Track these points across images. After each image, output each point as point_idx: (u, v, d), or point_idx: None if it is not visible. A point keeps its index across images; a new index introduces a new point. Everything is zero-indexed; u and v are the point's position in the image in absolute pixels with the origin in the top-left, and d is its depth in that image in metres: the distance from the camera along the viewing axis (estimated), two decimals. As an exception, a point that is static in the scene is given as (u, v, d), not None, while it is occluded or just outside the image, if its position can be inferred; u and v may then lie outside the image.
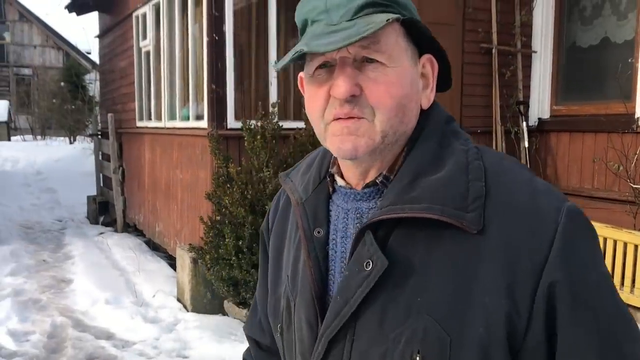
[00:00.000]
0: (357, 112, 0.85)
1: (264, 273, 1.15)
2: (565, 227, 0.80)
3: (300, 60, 0.91)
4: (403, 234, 0.85)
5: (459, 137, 0.91)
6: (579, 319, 0.78)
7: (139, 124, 7.29)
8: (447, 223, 0.81)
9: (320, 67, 0.87)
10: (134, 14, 7.12)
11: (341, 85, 0.83)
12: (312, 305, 0.93)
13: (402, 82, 0.86)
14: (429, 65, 0.93)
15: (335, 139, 0.87)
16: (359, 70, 0.85)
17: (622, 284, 4.21)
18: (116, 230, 8.12)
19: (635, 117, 5.22)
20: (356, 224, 0.92)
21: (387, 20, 0.80)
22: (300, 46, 0.84)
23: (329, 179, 0.99)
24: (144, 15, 6.79)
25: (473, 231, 0.80)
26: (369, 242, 0.85)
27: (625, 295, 4.18)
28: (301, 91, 0.97)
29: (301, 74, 0.96)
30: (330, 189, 0.98)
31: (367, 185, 0.92)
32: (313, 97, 0.89)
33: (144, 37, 6.86)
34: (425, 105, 0.92)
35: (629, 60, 5.34)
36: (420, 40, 0.91)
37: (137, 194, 7.61)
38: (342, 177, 0.97)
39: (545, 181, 0.88)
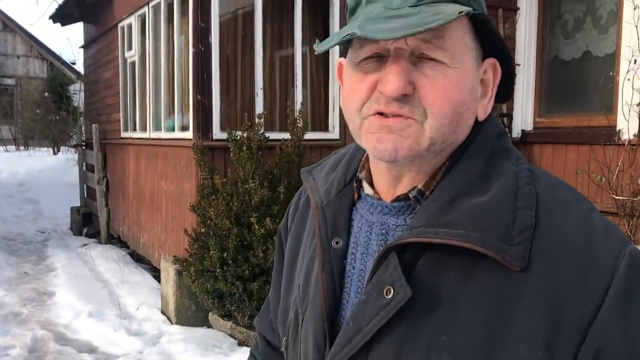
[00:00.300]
0: (407, 112, 0.74)
1: (279, 273, 1.05)
2: (625, 275, 0.68)
3: (346, 45, 0.80)
4: (433, 260, 0.74)
5: (510, 156, 0.79)
6: None
7: (123, 134, 7.25)
8: (486, 255, 0.70)
9: (369, 57, 0.76)
10: (120, 25, 7.11)
11: (393, 82, 0.72)
12: (321, 324, 0.83)
13: (462, 87, 0.74)
14: (491, 71, 0.80)
15: (371, 136, 0.76)
16: (414, 66, 0.73)
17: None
18: (100, 242, 8.04)
19: (617, 129, 5.29)
20: (380, 240, 0.82)
21: (459, 13, 0.68)
22: (352, 29, 0.71)
23: (355, 184, 0.88)
24: (130, 26, 6.77)
25: (516, 268, 0.69)
26: (392, 266, 0.74)
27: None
28: (339, 80, 0.86)
29: (341, 60, 0.85)
30: (356, 196, 0.88)
31: (397, 199, 0.81)
32: (354, 89, 0.77)
33: (130, 48, 6.84)
34: (482, 117, 0.80)
35: (610, 74, 5.43)
36: (487, 41, 0.78)
37: (121, 205, 7.54)
38: (370, 184, 0.86)
39: (606, 218, 0.75)
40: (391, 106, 0.74)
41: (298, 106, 5.12)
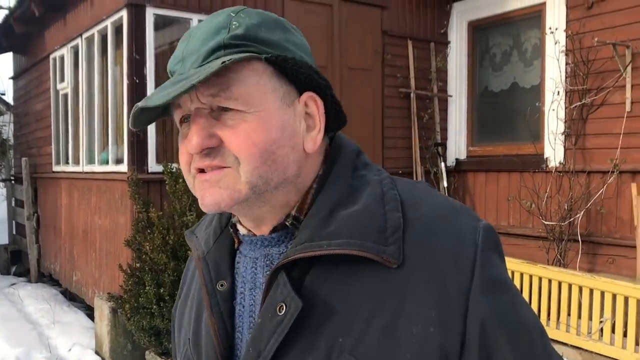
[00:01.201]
0: (219, 163, 0.78)
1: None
2: (483, 247, 0.78)
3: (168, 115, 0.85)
4: (319, 272, 0.78)
5: (372, 168, 0.86)
6: (514, 346, 0.76)
7: (55, 168, 7.00)
8: (366, 258, 0.75)
9: (183, 120, 0.81)
10: (51, 56, 6.93)
11: (192, 139, 0.76)
12: None
13: (266, 127, 0.77)
14: (312, 103, 0.83)
15: (198, 193, 0.80)
16: (216, 120, 0.78)
17: (539, 317, 4.36)
18: (30, 281, 7.67)
19: (545, 157, 5.54)
20: (266, 271, 0.84)
21: (222, 63, 0.72)
22: (140, 102, 0.78)
23: (231, 229, 0.91)
24: (62, 57, 6.61)
25: (393, 265, 0.75)
26: (282, 283, 0.77)
27: (542, 328, 4.33)
28: None
29: None
30: (236, 240, 0.91)
31: (275, 229, 0.84)
32: (180, 151, 0.82)
33: (62, 80, 6.66)
34: (311, 149, 0.83)
35: (537, 104, 5.70)
36: (297, 78, 0.82)
37: (52, 242, 7.25)
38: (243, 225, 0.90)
39: (457, 201, 0.86)
40: (203, 161, 0.78)
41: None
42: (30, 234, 7.67)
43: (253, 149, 0.77)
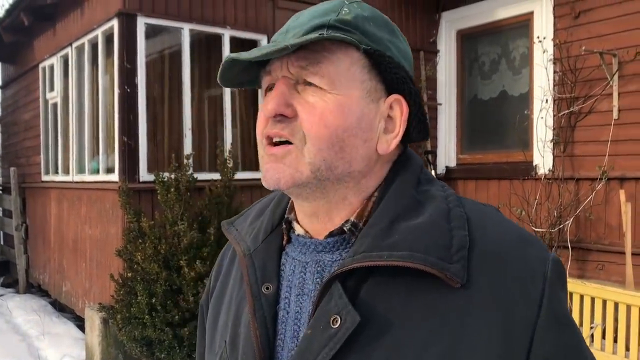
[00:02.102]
0: (287, 134, 0.76)
1: (202, 348, 1.00)
2: (552, 280, 0.75)
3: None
4: (376, 285, 0.74)
5: (435, 184, 0.83)
6: None
7: (44, 178, 6.96)
8: (429, 274, 0.71)
9: (268, 88, 0.81)
10: (41, 65, 6.90)
11: (269, 102, 0.76)
12: None
13: (343, 112, 0.76)
14: (397, 107, 0.81)
15: (263, 167, 0.79)
16: (298, 93, 0.77)
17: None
18: (18, 292, 7.59)
19: (534, 164, 5.59)
20: (316, 279, 0.80)
21: (319, 34, 0.73)
22: (232, 54, 0.78)
23: (284, 226, 0.86)
24: (51, 67, 6.59)
25: (456, 285, 0.71)
26: (337, 294, 0.73)
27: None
28: None
29: None
30: (285, 240, 0.87)
31: (331, 234, 0.81)
32: (258, 119, 0.81)
33: (51, 89, 6.64)
34: (383, 150, 0.80)
35: (525, 112, 5.75)
36: (388, 77, 0.80)
37: (41, 252, 7.18)
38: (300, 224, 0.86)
39: (524, 229, 0.82)
40: (274, 128, 0.77)
41: (228, 146, 5.11)
42: (18, 244, 7.60)
43: (323, 130, 0.75)
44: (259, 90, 5.14)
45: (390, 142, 0.80)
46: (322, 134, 0.75)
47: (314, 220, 0.83)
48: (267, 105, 0.77)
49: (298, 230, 0.85)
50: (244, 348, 0.82)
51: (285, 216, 0.87)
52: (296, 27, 0.79)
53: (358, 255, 0.74)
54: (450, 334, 0.71)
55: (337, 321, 0.72)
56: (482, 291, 0.72)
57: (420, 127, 0.85)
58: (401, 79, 0.80)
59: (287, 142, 0.77)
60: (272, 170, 0.77)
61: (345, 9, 0.79)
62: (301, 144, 0.76)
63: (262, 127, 0.79)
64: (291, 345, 0.79)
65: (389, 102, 0.80)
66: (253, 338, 0.80)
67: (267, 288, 0.83)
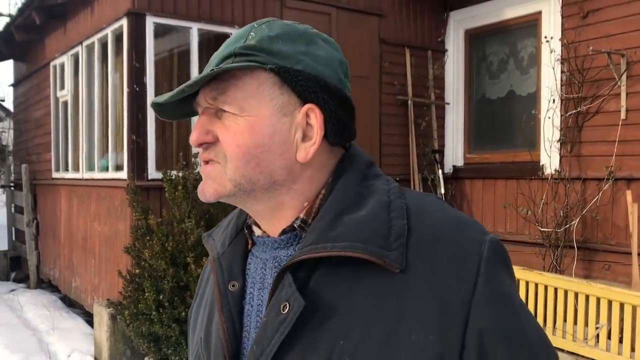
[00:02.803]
0: (213, 157, 0.86)
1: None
2: (488, 260, 0.79)
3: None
4: (324, 274, 0.81)
5: (381, 178, 0.89)
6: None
7: (55, 175, 7.04)
8: (371, 262, 0.77)
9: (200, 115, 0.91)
10: (52, 64, 6.98)
11: (193, 134, 0.86)
12: None
13: (253, 132, 0.83)
14: (312, 115, 0.86)
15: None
16: (218, 119, 0.86)
17: (535, 323, 4.39)
18: (29, 287, 7.69)
19: (541, 164, 5.58)
20: (274, 272, 0.87)
21: (210, 70, 0.82)
22: (155, 98, 0.90)
23: (246, 231, 0.95)
24: (62, 65, 6.66)
25: (396, 270, 0.77)
26: (287, 284, 0.80)
27: (538, 334, 4.36)
28: None
29: None
30: (250, 243, 0.95)
31: (284, 232, 0.88)
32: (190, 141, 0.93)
33: (62, 87, 6.71)
34: (303, 159, 0.85)
35: (533, 112, 5.75)
36: (300, 89, 0.85)
37: (52, 248, 7.27)
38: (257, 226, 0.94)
39: (466, 215, 0.87)
40: (203, 154, 0.88)
41: (235, 145, 5.14)
42: (29, 240, 7.69)
43: (236, 149, 0.84)
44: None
45: (308, 150, 0.86)
46: (236, 153, 0.84)
47: (264, 222, 0.91)
48: (192, 136, 0.87)
49: (257, 232, 0.93)
50: (215, 342, 0.91)
51: (247, 221, 0.96)
52: (214, 57, 0.87)
53: (306, 247, 0.81)
54: (391, 316, 0.77)
55: (286, 307, 0.79)
56: (419, 275, 0.78)
57: (337, 130, 0.89)
58: (309, 88, 0.85)
59: (214, 162, 0.87)
60: (202, 184, 0.88)
61: (252, 34, 0.85)
62: (224, 162, 0.85)
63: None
64: (255, 335, 0.86)
65: (303, 111, 0.86)
66: (221, 332, 0.88)
67: (233, 286, 0.91)
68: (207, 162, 0.88)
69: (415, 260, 0.78)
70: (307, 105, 0.86)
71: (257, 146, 0.84)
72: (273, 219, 0.90)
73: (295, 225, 0.87)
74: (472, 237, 0.81)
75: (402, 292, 0.77)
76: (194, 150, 4.92)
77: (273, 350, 0.79)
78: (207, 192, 0.87)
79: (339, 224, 0.81)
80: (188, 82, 0.82)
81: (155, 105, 0.90)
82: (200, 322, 0.99)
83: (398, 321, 0.76)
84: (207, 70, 0.87)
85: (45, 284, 7.66)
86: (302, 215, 0.87)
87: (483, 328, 0.76)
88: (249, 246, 0.95)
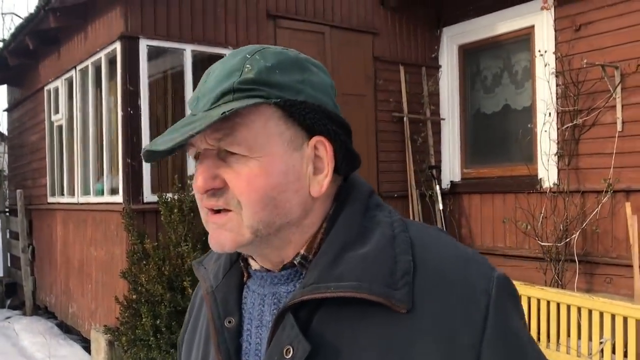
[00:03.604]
0: (223, 204, 0.79)
1: None
2: (497, 299, 0.76)
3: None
4: (327, 314, 0.77)
5: (384, 209, 0.85)
6: None
7: (50, 199, 6.99)
8: (374, 302, 0.74)
9: (195, 157, 0.83)
10: (46, 88, 6.97)
11: (197, 179, 0.79)
12: None
13: (267, 173, 0.78)
14: (322, 147, 0.82)
15: (209, 232, 0.83)
16: (223, 161, 0.79)
17: (538, 339, 4.34)
18: (25, 314, 7.59)
19: (539, 178, 5.56)
20: (273, 310, 0.84)
21: (222, 114, 0.73)
22: (148, 145, 0.81)
23: (242, 263, 0.90)
24: (56, 90, 6.65)
25: (402, 310, 0.74)
26: (289, 325, 0.77)
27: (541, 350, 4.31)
28: None
29: None
30: (245, 275, 0.90)
31: (284, 267, 0.84)
32: (194, 187, 0.83)
33: (56, 111, 6.69)
34: (317, 193, 0.82)
35: (529, 126, 5.74)
36: (306, 121, 0.81)
37: (48, 274, 7.20)
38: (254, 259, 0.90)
39: (471, 249, 0.84)
40: (209, 201, 0.80)
41: (231, 166, 5.12)
42: (25, 266, 7.62)
43: (253, 195, 0.77)
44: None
45: (322, 183, 0.82)
46: (253, 198, 0.77)
47: (266, 261, 0.86)
48: (196, 182, 0.79)
49: (254, 265, 0.88)
50: None
51: (242, 254, 0.90)
52: (205, 94, 0.80)
53: (307, 287, 0.77)
54: (398, 358, 0.73)
55: (289, 351, 0.75)
56: (427, 316, 0.74)
57: (348, 160, 0.87)
58: (317, 120, 0.81)
59: (226, 210, 0.80)
60: (216, 237, 0.81)
61: (247, 66, 0.79)
62: (238, 210, 0.79)
63: (199, 196, 0.82)
64: None
65: (312, 144, 0.82)
66: None
67: (230, 322, 0.86)
68: (216, 211, 0.81)
69: (421, 300, 0.75)
70: (316, 138, 0.82)
71: (274, 187, 0.79)
72: (276, 257, 0.85)
73: (295, 262, 0.83)
74: (479, 274, 0.78)
75: (409, 335, 0.74)
76: (189, 172, 4.89)
77: None
78: (225, 244, 0.80)
79: (342, 261, 0.78)
80: (195, 128, 0.74)
81: (149, 152, 0.81)
82: (196, 356, 0.94)
83: None
84: (199, 106, 0.81)
85: (42, 311, 7.57)
86: (302, 252, 0.83)
87: None
88: (245, 279, 0.90)
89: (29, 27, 6.36)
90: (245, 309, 0.87)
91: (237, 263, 0.91)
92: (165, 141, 0.77)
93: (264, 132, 0.78)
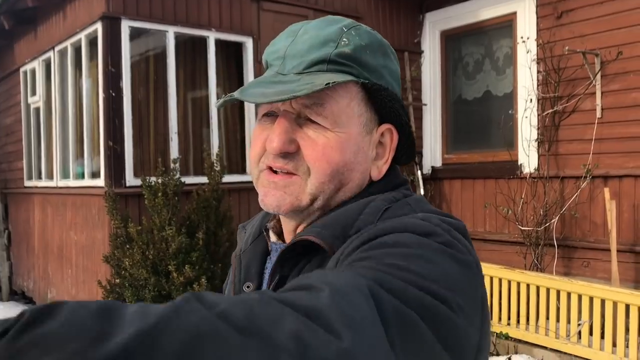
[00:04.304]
0: (291, 168, 0.80)
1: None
2: (381, 222, 0.76)
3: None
4: (302, 267, 0.80)
5: (400, 191, 0.85)
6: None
7: (27, 183, 6.87)
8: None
9: (266, 114, 0.84)
10: (22, 69, 6.81)
11: (274, 140, 0.79)
12: None
13: (343, 149, 0.80)
14: (388, 135, 0.85)
15: (261, 189, 0.83)
16: (299, 127, 0.80)
17: (518, 321, 4.43)
18: (1, 299, 7.48)
19: (519, 163, 5.64)
20: None
21: (326, 84, 0.74)
22: (236, 92, 0.81)
23: (264, 233, 0.94)
24: (33, 71, 6.50)
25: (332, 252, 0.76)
26: (278, 280, 0.82)
27: (521, 332, 4.41)
28: None
29: None
30: (269, 244, 0.93)
31: None
32: (254, 142, 0.85)
33: (33, 93, 6.55)
34: (375, 176, 0.85)
35: (510, 112, 5.80)
36: (382, 108, 0.84)
37: (25, 259, 7.09)
38: (276, 232, 0.93)
39: (439, 217, 0.77)
40: (277, 162, 0.81)
41: (215, 149, 5.08)
42: (1, 251, 7.49)
43: (326, 165, 0.79)
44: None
45: (381, 168, 0.86)
46: (324, 168, 0.80)
47: (291, 233, 0.89)
48: (271, 143, 0.79)
49: (272, 238, 0.92)
50: None
51: (266, 224, 0.94)
52: (294, 56, 0.80)
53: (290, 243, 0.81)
54: None
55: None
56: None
57: (409, 152, 0.91)
58: (395, 110, 0.84)
59: (289, 173, 0.81)
60: (273, 196, 0.82)
61: (344, 39, 0.80)
62: (305, 176, 0.80)
63: (260, 152, 0.83)
64: None
65: (380, 130, 0.85)
66: None
67: (248, 287, 0.90)
68: (274, 171, 0.82)
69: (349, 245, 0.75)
70: (386, 125, 0.85)
71: (345, 164, 0.81)
72: (298, 230, 0.87)
73: None
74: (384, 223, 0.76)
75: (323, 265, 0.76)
76: (172, 155, 4.85)
77: None
78: (282, 205, 0.81)
79: (321, 220, 0.81)
80: (296, 91, 0.74)
81: (230, 98, 0.82)
82: None
83: None
84: (286, 66, 0.80)
85: (19, 296, 7.46)
86: None
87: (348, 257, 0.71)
88: (269, 248, 0.93)
89: (5, 6, 6.20)
90: (265, 277, 0.90)
91: (263, 233, 0.95)
92: (255, 94, 0.78)
93: (348, 110, 0.80)
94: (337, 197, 0.82)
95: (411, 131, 0.88)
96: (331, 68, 0.79)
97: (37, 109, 6.52)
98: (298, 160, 0.80)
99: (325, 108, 0.79)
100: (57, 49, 5.78)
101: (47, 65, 6.14)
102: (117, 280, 4.23)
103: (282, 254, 0.81)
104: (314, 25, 0.82)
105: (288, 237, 0.90)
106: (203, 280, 3.99)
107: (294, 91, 0.74)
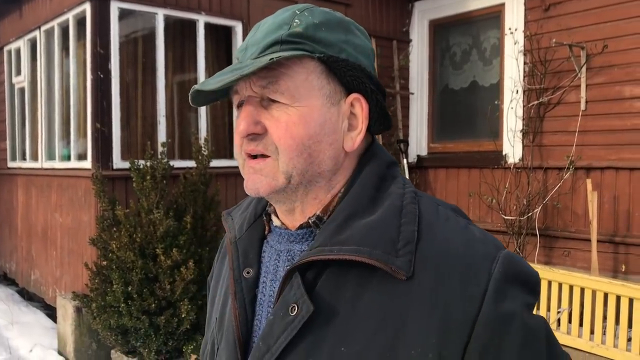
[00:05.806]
0: (262, 149, 0.84)
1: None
2: (498, 278, 0.76)
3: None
4: (332, 277, 0.81)
5: (398, 182, 0.87)
6: None
7: (10, 164, 6.80)
8: (377, 268, 0.77)
9: (239, 105, 0.87)
10: (6, 49, 6.71)
11: (239, 124, 0.84)
12: (234, 350, 0.88)
13: (306, 122, 0.82)
14: (358, 105, 0.87)
15: (245, 176, 0.88)
16: (265, 109, 0.84)
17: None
18: (-17, 280, 7.43)
19: (503, 153, 5.71)
20: (286, 266, 0.88)
21: (270, 60, 0.78)
22: (197, 84, 0.86)
23: (265, 218, 0.95)
24: (18, 50, 6.42)
25: (402, 277, 0.76)
26: (296, 285, 0.81)
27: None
28: None
29: None
30: (267, 229, 0.95)
31: (300, 227, 0.89)
32: (235, 134, 0.88)
33: (18, 73, 6.47)
34: (350, 148, 0.87)
35: (496, 102, 5.86)
36: (345, 78, 0.85)
37: (8, 240, 7.03)
38: (278, 216, 0.94)
39: (481, 229, 0.84)
40: (249, 145, 0.85)
41: (203, 133, 5.08)
42: (-17, 232, 7.42)
43: (290, 141, 0.82)
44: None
45: (355, 139, 0.87)
46: (290, 145, 0.82)
47: (290, 216, 0.91)
48: (239, 127, 0.84)
49: (275, 222, 0.93)
50: (227, 326, 0.92)
51: (266, 209, 0.96)
52: (253, 44, 0.85)
53: (314, 249, 0.81)
54: (393, 325, 0.76)
55: (294, 309, 0.80)
56: (425, 286, 0.76)
57: (381, 119, 0.92)
58: (357, 78, 0.85)
59: (264, 155, 0.84)
60: (252, 181, 0.85)
61: (296, 20, 0.84)
62: (275, 155, 0.83)
63: (240, 142, 0.87)
64: (261, 330, 0.87)
65: (349, 101, 0.87)
66: (233, 318, 0.90)
67: (248, 272, 0.92)
68: (253, 156, 0.86)
69: (422, 270, 0.77)
70: (353, 95, 0.87)
71: (310, 137, 0.83)
72: (300, 214, 0.90)
73: (310, 222, 0.88)
74: (483, 253, 0.79)
75: (406, 302, 0.76)
76: (160, 138, 4.84)
77: (279, 349, 0.80)
78: (260, 187, 0.85)
79: (349, 227, 0.81)
80: (244, 71, 0.78)
81: (195, 92, 0.87)
82: (218, 300, 1.01)
83: (399, 331, 0.75)
84: (246, 54, 0.85)
85: (1, 277, 7.42)
86: (319, 212, 0.88)
87: (483, 349, 0.74)
88: (266, 232, 0.96)
89: (-11, -17, 6.10)
90: (263, 262, 0.93)
91: (260, 217, 0.97)
92: (214, 82, 0.81)
93: (306, 84, 0.83)
94: (311, 170, 0.84)
95: (379, 98, 0.89)
96: (284, 48, 0.82)
97: (22, 89, 6.44)
98: (267, 141, 0.84)
99: (280, 85, 0.82)
100: (43, 28, 5.70)
101: (33, 45, 6.07)
102: (104, 263, 4.23)
103: (308, 264, 0.82)
104: (272, 15, 0.87)
105: (285, 220, 0.92)
106: (190, 263, 4.00)
107: (242, 72, 0.78)
